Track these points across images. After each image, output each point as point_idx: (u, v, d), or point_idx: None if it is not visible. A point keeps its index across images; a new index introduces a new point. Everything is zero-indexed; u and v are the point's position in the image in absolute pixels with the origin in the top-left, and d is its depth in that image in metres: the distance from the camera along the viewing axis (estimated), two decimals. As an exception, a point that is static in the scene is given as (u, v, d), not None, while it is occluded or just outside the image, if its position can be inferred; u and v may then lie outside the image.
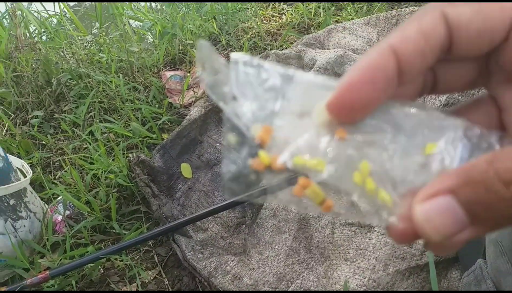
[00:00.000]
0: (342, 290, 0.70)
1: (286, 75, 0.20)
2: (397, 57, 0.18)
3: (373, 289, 0.64)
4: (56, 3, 1.61)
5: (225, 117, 0.19)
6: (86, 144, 0.98)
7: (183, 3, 1.40)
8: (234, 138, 0.19)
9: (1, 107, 1.08)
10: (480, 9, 0.18)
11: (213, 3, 1.27)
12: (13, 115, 1.09)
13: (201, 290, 0.74)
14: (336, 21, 1.17)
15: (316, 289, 0.68)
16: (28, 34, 1.32)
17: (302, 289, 0.67)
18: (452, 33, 0.18)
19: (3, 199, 0.78)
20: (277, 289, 0.68)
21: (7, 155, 0.84)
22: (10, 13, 1.30)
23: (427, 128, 0.19)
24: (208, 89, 0.20)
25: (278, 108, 0.19)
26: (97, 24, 1.60)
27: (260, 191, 0.25)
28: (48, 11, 1.60)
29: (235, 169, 0.19)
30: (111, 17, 1.48)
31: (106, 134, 0.94)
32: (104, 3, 1.50)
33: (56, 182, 0.95)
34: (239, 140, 0.19)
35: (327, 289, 0.67)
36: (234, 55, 0.20)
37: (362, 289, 0.64)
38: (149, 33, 1.23)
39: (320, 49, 0.99)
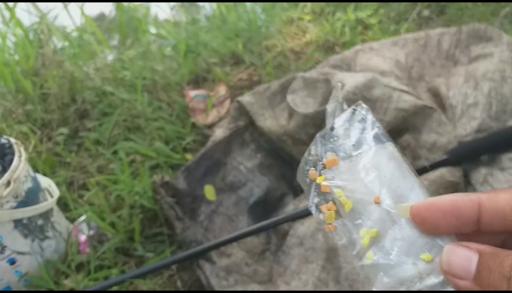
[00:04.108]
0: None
1: (379, 138, 0.25)
2: (480, 209, 0.21)
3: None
4: (80, 16, 1.64)
5: (317, 135, 0.26)
6: (110, 163, 0.98)
7: (206, 18, 1.41)
8: (313, 150, 0.26)
9: (28, 124, 1.10)
10: None
11: (236, 20, 1.27)
12: (39, 131, 1.10)
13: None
14: (362, 40, 1.16)
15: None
16: (54, 50, 1.34)
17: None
18: None
19: (32, 219, 0.79)
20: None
21: (36, 174, 0.85)
22: (38, 30, 1.33)
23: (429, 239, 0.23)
24: (327, 114, 0.27)
25: (356, 155, 0.25)
26: (118, 38, 1.62)
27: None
28: (70, 26, 1.63)
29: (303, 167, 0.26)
30: (133, 32, 1.50)
31: (132, 156, 0.94)
32: (128, 18, 1.51)
33: (80, 200, 0.95)
34: (314, 154, 0.26)
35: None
36: (359, 103, 0.26)
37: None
38: (173, 50, 1.24)
39: (347, 71, 0.98)
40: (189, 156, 1.00)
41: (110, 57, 1.39)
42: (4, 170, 0.78)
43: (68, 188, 0.98)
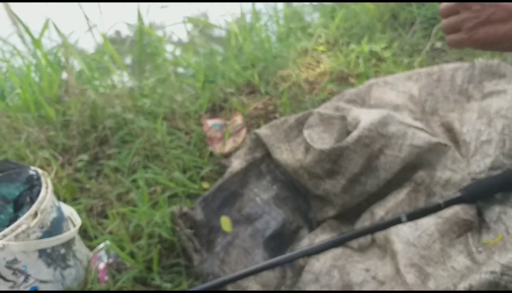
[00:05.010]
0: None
1: None
2: None
3: None
4: (99, 41, 1.70)
5: None
6: (130, 191, 1.01)
7: (224, 49, 1.45)
8: None
9: (50, 150, 1.14)
10: None
11: (252, 50, 1.31)
12: (60, 157, 1.14)
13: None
14: (375, 72, 1.18)
15: None
16: (76, 75, 1.39)
17: None
18: None
19: (55, 248, 0.81)
20: None
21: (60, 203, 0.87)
22: (59, 54, 1.38)
23: None
24: None
25: None
26: (133, 58, 1.67)
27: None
28: (90, 49, 1.68)
29: None
30: (151, 58, 1.54)
31: (153, 188, 0.97)
32: (146, 42, 1.56)
33: (99, 227, 0.97)
34: None
35: None
36: None
37: None
38: (192, 79, 1.28)
39: (361, 105, 1.00)
40: (206, 185, 1.02)
41: (129, 83, 1.43)
42: (32, 201, 0.81)
43: (88, 215, 1.01)
